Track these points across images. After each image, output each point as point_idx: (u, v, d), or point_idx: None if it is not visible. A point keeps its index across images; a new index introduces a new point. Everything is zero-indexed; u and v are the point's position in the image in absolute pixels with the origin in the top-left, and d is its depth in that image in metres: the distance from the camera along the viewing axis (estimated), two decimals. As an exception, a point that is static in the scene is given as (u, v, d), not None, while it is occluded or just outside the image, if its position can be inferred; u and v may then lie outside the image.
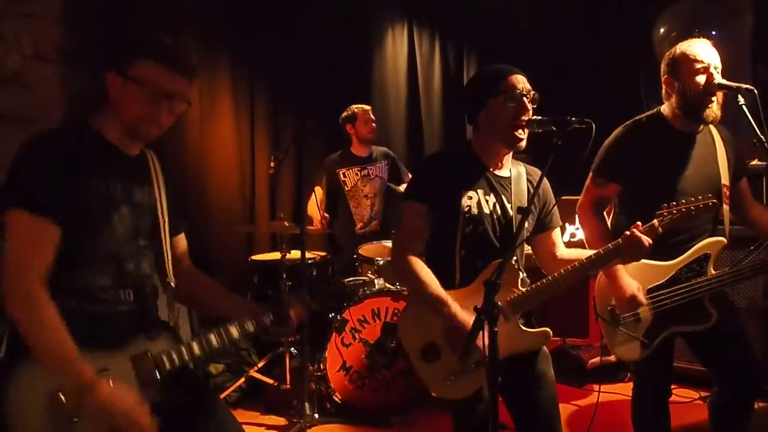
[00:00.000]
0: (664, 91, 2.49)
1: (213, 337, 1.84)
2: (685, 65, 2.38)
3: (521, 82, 2.07)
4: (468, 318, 1.93)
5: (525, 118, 2.03)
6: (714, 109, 2.37)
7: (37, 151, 1.65)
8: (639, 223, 2.04)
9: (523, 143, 2.07)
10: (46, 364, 1.57)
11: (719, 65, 2.37)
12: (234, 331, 1.87)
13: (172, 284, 1.91)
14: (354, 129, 4.62)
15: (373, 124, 4.63)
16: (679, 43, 2.43)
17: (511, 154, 2.19)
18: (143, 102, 1.72)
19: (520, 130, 2.05)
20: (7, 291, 1.57)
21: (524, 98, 2.04)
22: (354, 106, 4.62)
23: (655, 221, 2.07)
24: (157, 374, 1.73)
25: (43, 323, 1.57)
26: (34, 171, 1.62)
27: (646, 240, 2.00)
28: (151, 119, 1.75)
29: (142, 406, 1.64)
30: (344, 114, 4.63)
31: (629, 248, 2.01)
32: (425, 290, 2.02)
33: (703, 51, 2.37)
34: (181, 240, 2.01)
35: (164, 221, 1.88)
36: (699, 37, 2.45)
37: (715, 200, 2.10)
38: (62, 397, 1.57)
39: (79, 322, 1.62)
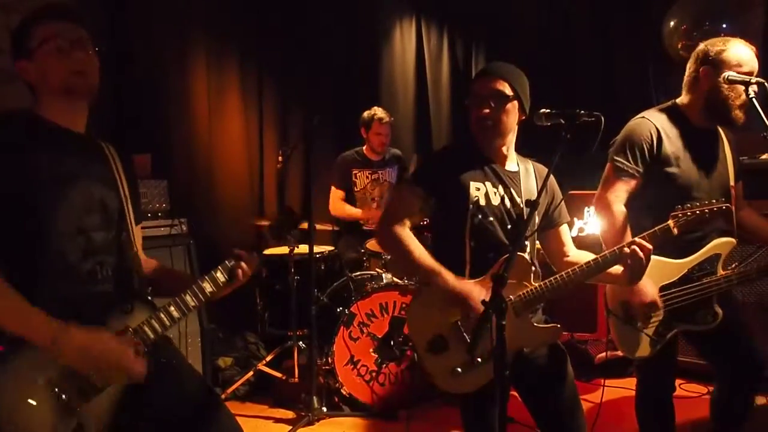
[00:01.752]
0: (690, 80, 2.42)
1: (189, 298, 1.82)
2: (728, 67, 2.32)
3: (485, 85, 2.13)
4: (466, 284, 1.95)
5: (481, 115, 2.10)
6: (740, 114, 2.34)
7: None
8: (639, 239, 2.03)
9: (499, 144, 2.15)
10: (11, 330, 1.56)
11: (756, 73, 2.34)
12: (207, 286, 1.85)
13: (138, 253, 1.90)
14: (366, 135, 4.62)
15: (385, 138, 4.59)
16: (724, 40, 2.38)
17: (512, 148, 2.21)
18: (55, 59, 1.73)
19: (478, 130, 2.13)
20: None
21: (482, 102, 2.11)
22: (376, 113, 4.56)
23: (670, 222, 2.07)
24: (144, 347, 1.72)
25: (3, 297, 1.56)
26: None
27: (645, 255, 2.00)
28: (73, 68, 1.74)
29: (123, 345, 1.64)
30: (364, 115, 4.60)
31: (629, 258, 2.01)
32: (415, 259, 2.04)
33: (750, 59, 2.34)
34: (139, 231, 1.99)
35: (127, 199, 1.87)
36: (743, 41, 2.39)
37: (728, 204, 2.10)
38: (58, 386, 1.58)
39: (57, 306, 1.61)
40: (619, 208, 2.40)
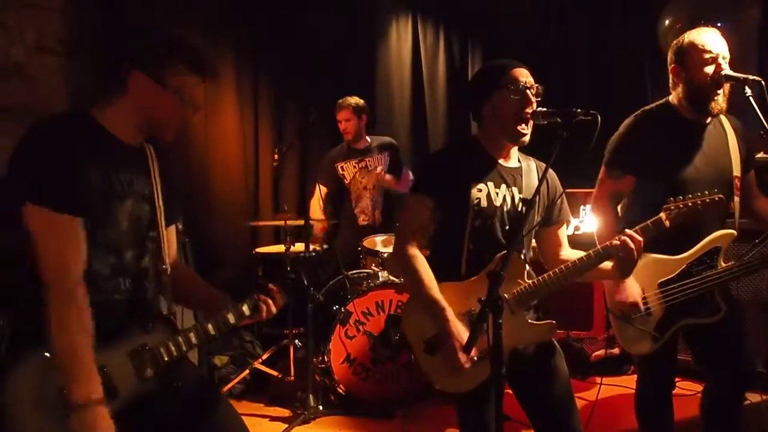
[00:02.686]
0: (671, 80, 2.47)
1: (210, 326, 1.85)
2: (692, 55, 2.35)
3: (524, 75, 2.06)
4: (461, 331, 1.95)
5: (529, 110, 2.02)
6: (720, 102, 2.35)
7: (45, 143, 1.62)
8: (630, 230, 2.03)
9: (527, 138, 2.06)
10: (64, 367, 1.55)
11: (727, 55, 2.35)
12: (230, 317, 1.88)
13: (168, 271, 1.90)
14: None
15: (346, 124, 4.50)
16: (688, 32, 2.40)
17: (516, 147, 2.18)
18: (175, 108, 1.75)
19: (524, 124, 2.04)
20: (53, 287, 1.55)
21: (528, 91, 2.03)
22: (340, 101, 4.52)
23: (662, 215, 2.07)
24: (154, 367, 1.73)
25: (80, 325, 1.56)
26: (46, 166, 1.60)
27: (636, 247, 1.99)
28: (176, 123, 1.78)
29: None
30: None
31: (620, 250, 2.01)
32: (424, 291, 2.02)
33: (711, 41, 2.34)
34: (173, 231, 1.99)
35: (161, 211, 1.86)
36: (707, 26, 2.42)
37: (721, 195, 2.09)
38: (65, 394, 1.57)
39: None
40: (613, 208, 2.46)
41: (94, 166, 1.66)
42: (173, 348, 1.77)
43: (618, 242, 2.01)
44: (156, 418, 1.76)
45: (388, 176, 4.53)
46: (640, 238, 2.01)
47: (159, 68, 1.72)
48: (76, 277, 1.59)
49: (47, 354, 1.57)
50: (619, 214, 2.55)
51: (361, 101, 4.56)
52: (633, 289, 2.35)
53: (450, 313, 1.97)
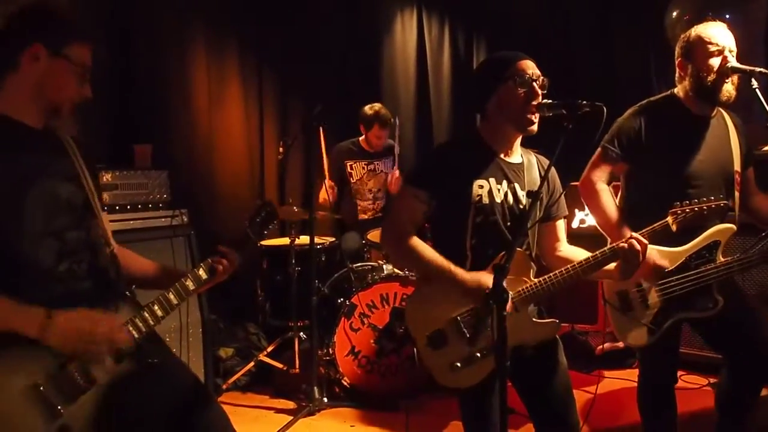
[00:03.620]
0: (677, 74, 2.47)
1: (172, 296, 1.83)
2: (699, 48, 2.36)
3: (530, 67, 2.04)
4: (476, 274, 1.95)
5: (535, 102, 2.01)
6: (729, 89, 2.35)
7: None
8: (636, 234, 2.03)
9: (535, 127, 2.05)
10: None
11: (734, 48, 2.35)
12: (189, 284, 1.86)
13: (114, 250, 1.89)
14: (365, 131, 4.60)
15: (383, 140, 4.58)
16: (695, 27, 2.41)
17: (520, 139, 2.17)
18: (70, 78, 1.73)
19: (531, 115, 2.04)
20: None
21: (534, 83, 2.02)
22: (379, 114, 4.49)
23: (669, 219, 2.08)
24: (128, 346, 1.72)
25: None
26: None
27: (642, 250, 2.00)
28: (73, 96, 1.75)
29: (107, 314, 1.66)
30: (366, 111, 4.54)
31: (626, 254, 2.01)
32: (426, 264, 2.02)
33: (718, 34, 2.35)
34: (106, 219, 1.95)
35: (92, 193, 1.84)
36: (713, 20, 2.42)
37: (726, 201, 2.10)
38: (42, 389, 1.58)
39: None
40: (602, 186, 2.49)
41: None
42: (141, 324, 1.76)
43: (624, 245, 2.01)
44: (139, 399, 1.75)
45: (397, 173, 4.55)
46: (646, 242, 2.01)
47: (60, 42, 1.70)
48: None
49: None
50: (617, 203, 2.54)
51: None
52: (651, 253, 2.29)
53: (458, 269, 1.97)
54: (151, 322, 1.78)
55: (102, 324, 1.64)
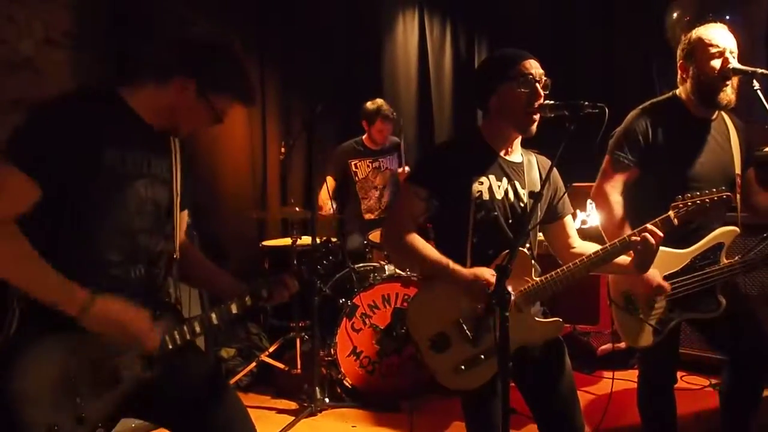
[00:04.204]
0: (678, 76, 2.47)
1: (214, 315, 1.86)
2: (700, 50, 2.36)
3: (534, 67, 2.03)
4: (473, 269, 1.95)
5: (537, 103, 2.01)
6: (728, 93, 2.35)
7: (53, 112, 1.62)
8: (650, 225, 2.02)
9: (534, 128, 2.05)
10: (39, 296, 1.58)
11: (735, 50, 2.35)
12: (233, 307, 1.88)
13: (177, 257, 1.90)
14: (367, 127, 4.61)
15: (387, 133, 4.60)
16: (695, 28, 2.41)
17: (520, 139, 2.16)
18: (206, 120, 1.79)
19: (532, 115, 2.04)
20: None
21: (537, 84, 2.01)
22: (381, 109, 4.52)
23: (671, 212, 2.06)
24: (159, 354, 1.74)
25: (20, 256, 1.57)
26: (42, 133, 1.59)
27: (657, 241, 1.99)
28: (197, 130, 1.82)
29: (143, 317, 1.68)
30: (368, 107, 4.56)
31: (639, 245, 2.00)
32: (425, 260, 2.02)
33: (718, 35, 2.35)
34: (185, 215, 2.00)
35: (177, 196, 1.87)
36: (714, 21, 2.42)
37: (729, 193, 2.08)
38: (72, 380, 1.61)
39: None
40: (616, 198, 2.45)
41: (98, 141, 1.65)
42: (177, 337, 1.79)
43: (638, 238, 2.00)
44: (159, 400, 1.79)
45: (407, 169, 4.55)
46: (661, 234, 2.00)
47: (212, 89, 1.73)
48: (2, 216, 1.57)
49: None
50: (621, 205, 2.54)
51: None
52: (652, 273, 2.31)
53: (456, 265, 1.97)
54: (188, 337, 1.81)
55: (135, 323, 1.66)
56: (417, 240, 2.07)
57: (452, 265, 1.98)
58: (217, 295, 1.95)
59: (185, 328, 1.81)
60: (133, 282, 1.75)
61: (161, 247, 1.84)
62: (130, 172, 1.72)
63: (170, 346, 1.77)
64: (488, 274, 1.91)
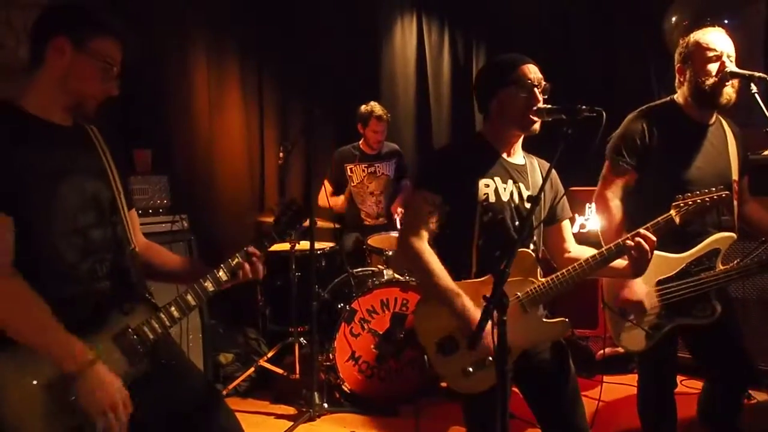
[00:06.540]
0: (676, 80, 2.48)
1: (190, 297, 1.81)
2: (698, 54, 2.36)
3: (532, 71, 2.05)
4: (477, 314, 1.91)
5: (535, 108, 2.02)
6: (729, 92, 2.35)
7: None
8: (643, 230, 2.02)
9: (537, 126, 2.06)
10: (38, 347, 1.55)
11: (732, 53, 2.36)
12: (209, 285, 1.84)
13: (135, 249, 1.87)
14: (363, 130, 4.62)
15: (381, 135, 4.61)
16: (693, 33, 2.42)
17: (521, 141, 2.18)
18: (96, 74, 1.72)
19: (531, 118, 2.04)
20: None
21: (535, 88, 2.03)
22: (374, 110, 4.54)
23: (672, 212, 2.06)
24: (143, 348, 1.72)
25: (26, 309, 1.56)
26: None
27: (650, 246, 1.99)
28: (99, 93, 1.74)
29: (123, 392, 1.64)
30: (362, 110, 4.58)
31: (633, 250, 2.00)
32: (437, 282, 1.99)
33: (716, 39, 2.36)
34: (134, 215, 1.96)
35: (118, 191, 1.83)
36: (712, 25, 2.42)
37: (727, 192, 2.09)
38: (54, 389, 1.58)
39: (56, 308, 1.59)
40: (616, 204, 2.46)
41: (24, 152, 1.62)
42: (157, 325, 1.75)
43: (632, 242, 2.00)
44: (151, 399, 1.75)
45: (400, 210, 4.46)
46: (654, 238, 2.00)
47: (86, 36, 1.70)
48: (3, 267, 1.56)
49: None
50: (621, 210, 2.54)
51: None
52: (638, 287, 2.34)
53: (466, 300, 1.94)
54: (168, 324, 1.78)
55: (123, 409, 1.62)
56: (426, 250, 2.04)
57: (465, 301, 1.95)
58: (188, 282, 1.88)
59: (162, 315, 1.77)
60: (99, 281, 1.73)
61: (119, 236, 1.80)
62: (57, 172, 1.68)
63: (151, 336, 1.74)
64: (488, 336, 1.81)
